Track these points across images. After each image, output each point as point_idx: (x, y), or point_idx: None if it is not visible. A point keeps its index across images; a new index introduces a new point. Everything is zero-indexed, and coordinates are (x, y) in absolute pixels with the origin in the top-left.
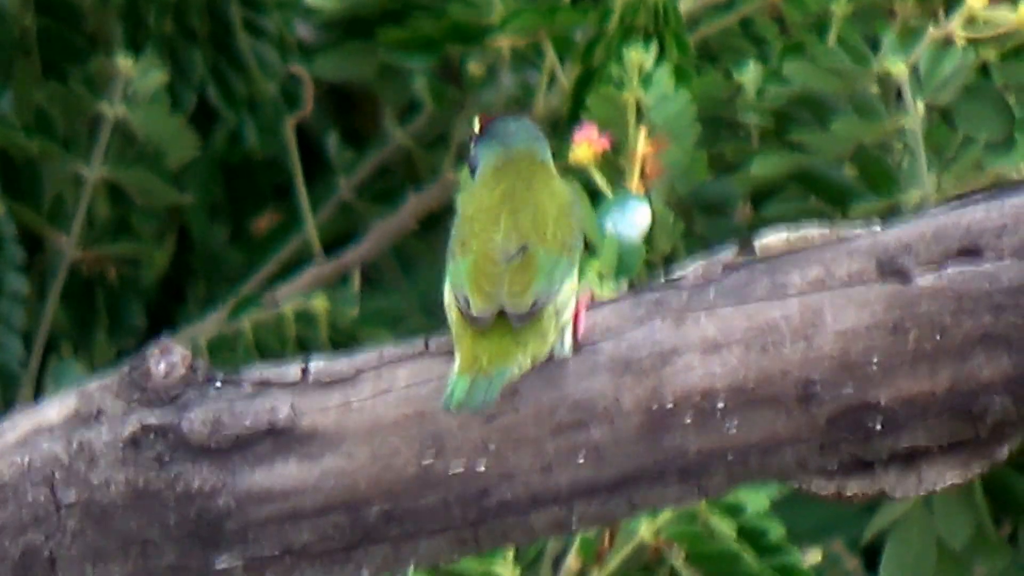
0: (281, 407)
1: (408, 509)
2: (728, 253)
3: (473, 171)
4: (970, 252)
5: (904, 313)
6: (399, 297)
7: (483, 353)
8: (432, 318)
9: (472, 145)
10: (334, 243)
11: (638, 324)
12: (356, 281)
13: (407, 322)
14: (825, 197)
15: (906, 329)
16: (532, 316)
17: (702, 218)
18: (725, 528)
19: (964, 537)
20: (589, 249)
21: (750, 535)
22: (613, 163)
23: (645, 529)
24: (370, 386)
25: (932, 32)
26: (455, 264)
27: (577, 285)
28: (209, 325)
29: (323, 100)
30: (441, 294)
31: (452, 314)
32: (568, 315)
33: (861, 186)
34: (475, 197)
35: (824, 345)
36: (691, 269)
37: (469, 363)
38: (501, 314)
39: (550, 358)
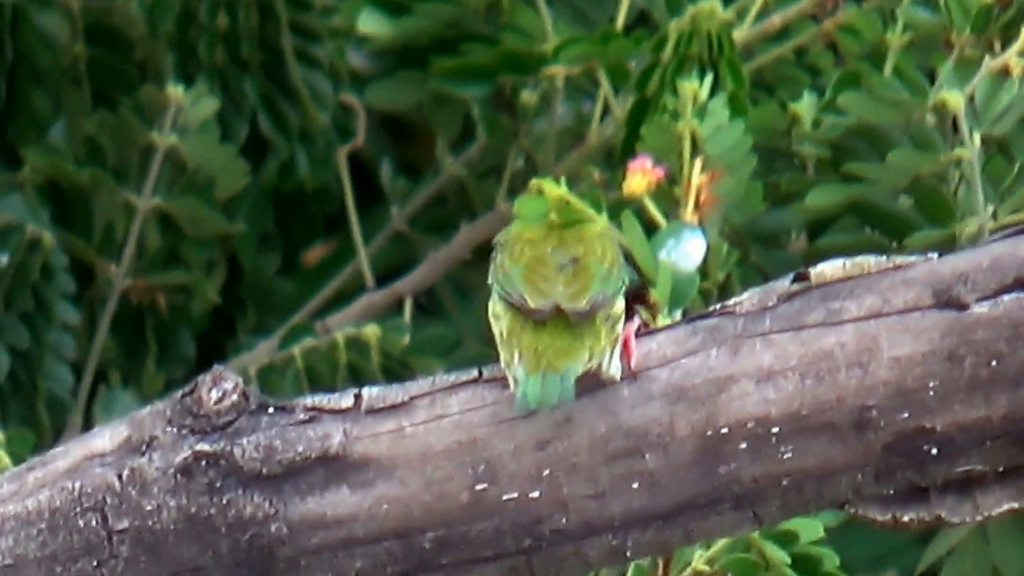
0: (334, 434)
1: (461, 536)
2: (784, 282)
3: None
4: None
5: (960, 341)
6: (452, 326)
7: (546, 350)
8: (485, 347)
9: None
10: (387, 274)
11: (693, 352)
12: (408, 310)
13: (460, 351)
14: (881, 228)
15: (962, 357)
16: (590, 314)
17: (757, 249)
18: (779, 557)
19: (1020, 565)
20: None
21: (804, 564)
22: (668, 194)
23: (699, 558)
24: (423, 413)
25: (989, 63)
26: (503, 274)
27: (623, 305)
28: (259, 355)
29: (376, 130)
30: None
31: (502, 321)
32: (618, 329)
33: (917, 217)
34: (519, 229)
35: (880, 372)
36: (746, 297)
37: (534, 362)
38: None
39: (599, 375)
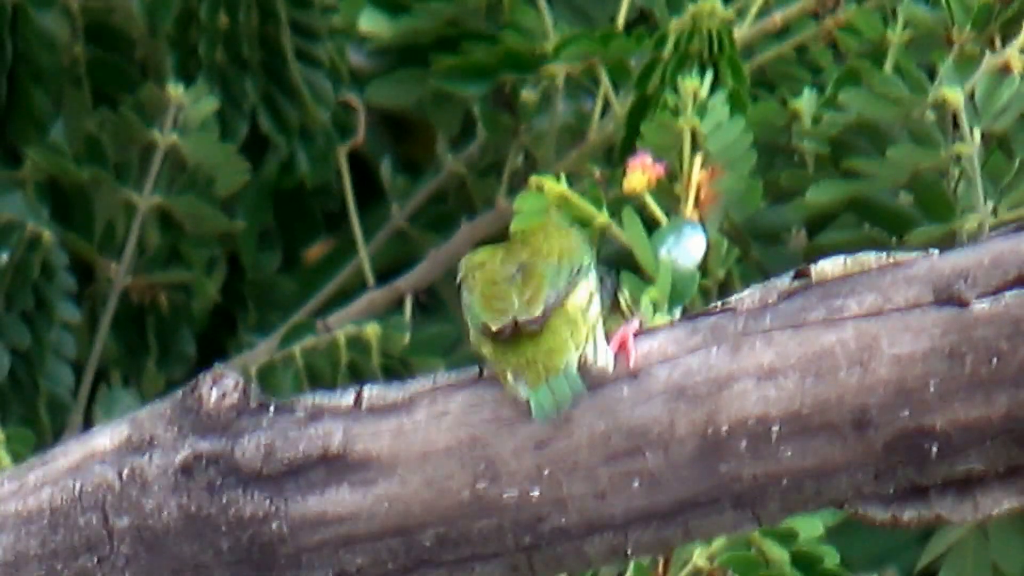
0: (334, 433)
1: (462, 534)
2: (784, 279)
3: None
4: None
5: (960, 339)
6: (453, 325)
7: (538, 360)
8: None
9: None
10: (388, 271)
11: (693, 350)
12: (408, 308)
13: (461, 350)
14: (881, 225)
15: (962, 355)
16: (545, 318)
17: (757, 246)
18: (779, 555)
19: (1020, 563)
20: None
21: (804, 562)
22: (668, 191)
23: (699, 555)
24: (424, 412)
25: (989, 60)
26: (467, 306)
27: (594, 286)
28: (260, 353)
29: (376, 127)
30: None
31: (484, 349)
32: (595, 313)
33: (917, 213)
34: (470, 260)
35: (880, 371)
36: (747, 295)
37: (535, 375)
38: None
39: (589, 367)
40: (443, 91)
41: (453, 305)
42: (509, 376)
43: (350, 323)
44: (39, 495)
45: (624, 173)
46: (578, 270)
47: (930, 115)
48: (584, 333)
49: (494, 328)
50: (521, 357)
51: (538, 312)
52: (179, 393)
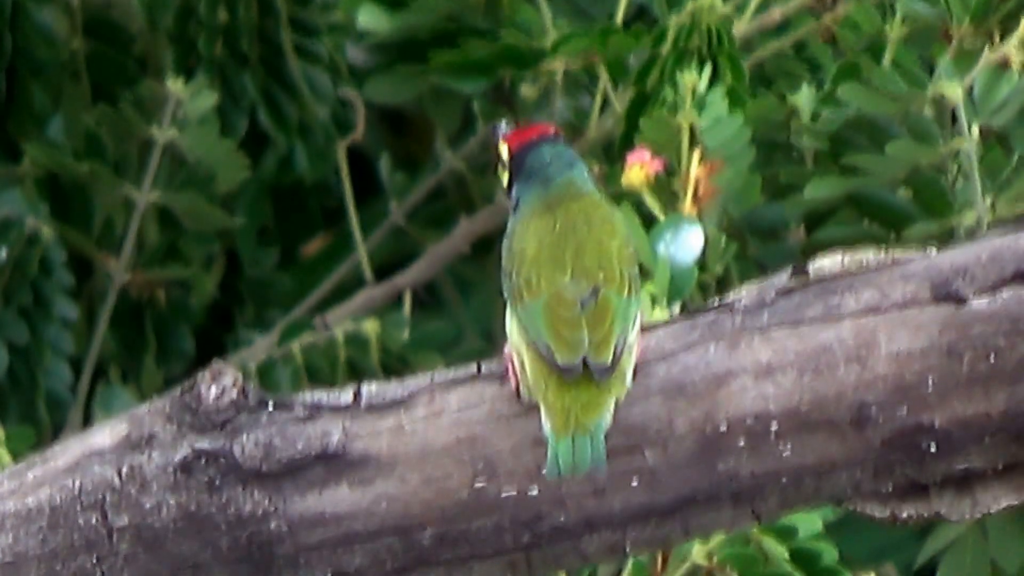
0: (333, 431)
1: (461, 533)
2: (782, 277)
3: (515, 208)
4: None
5: (959, 336)
6: (451, 321)
7: (573, 406)
8: (485, 342)
9: (505, 176)
10: (386, 268)
11: (691, 347)
12: (407, 305)
13: (459, 347)
14: (880, 220)
15: (960, 352)
16: (613, 369)
17: (756, 241)
18: (778, 551)
19: (1018, 560)
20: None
21: (803, 558)
22: (666, 186)
23: (698, 552)
24: (422, 410)
25: (988, 55)
26: (523, 307)
27: (641, 319)
28: (259, 350)
29: (375, 124)
30: (502, 329)
31: (530, 361)
32: (637, 351)
33: (916, 209)
34: (532, 234)
35: (878, 368)
36: (745, 292)
37: (563, 422)
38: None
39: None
40: (442, 87)
41: (452, 301)
42: (543, 408)
43: (349, 320)
44: (38, 494)
45: (623, 169)
46: (638, 300)
47: (928, 110)
48: (628, 378)
49: (561, 364)
50: (560, 399)
51: (608, 359)
52: (178, 390)
